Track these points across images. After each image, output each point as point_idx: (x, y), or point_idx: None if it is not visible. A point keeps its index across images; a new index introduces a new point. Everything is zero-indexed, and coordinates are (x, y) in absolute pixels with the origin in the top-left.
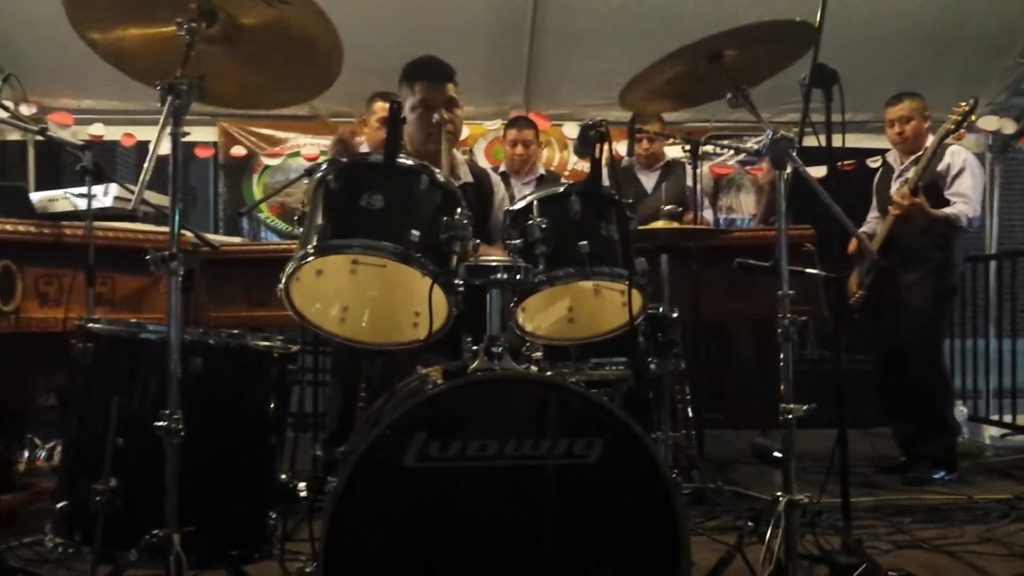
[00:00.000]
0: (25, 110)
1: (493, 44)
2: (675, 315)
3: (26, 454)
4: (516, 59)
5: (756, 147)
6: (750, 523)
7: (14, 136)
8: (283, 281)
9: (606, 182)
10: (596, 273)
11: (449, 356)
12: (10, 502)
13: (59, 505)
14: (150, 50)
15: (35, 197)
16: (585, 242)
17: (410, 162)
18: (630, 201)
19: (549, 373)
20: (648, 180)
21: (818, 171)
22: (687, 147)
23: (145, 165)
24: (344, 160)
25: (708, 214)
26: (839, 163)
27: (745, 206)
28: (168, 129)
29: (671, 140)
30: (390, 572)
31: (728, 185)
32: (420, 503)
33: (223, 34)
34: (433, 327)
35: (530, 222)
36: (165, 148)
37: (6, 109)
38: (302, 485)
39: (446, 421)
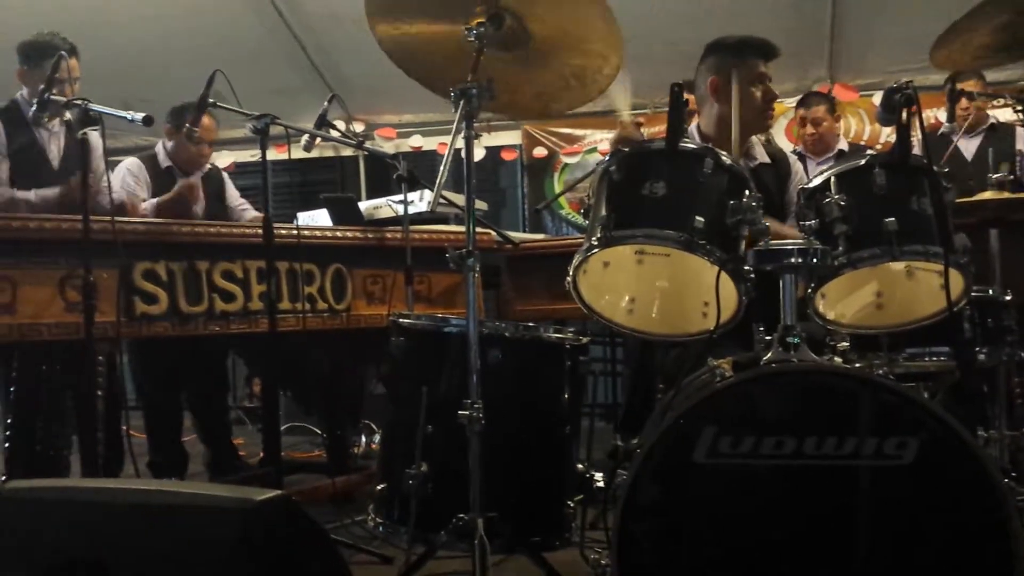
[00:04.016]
0: (355, 127)
1: (791, 15)
2: (1008, 297)
3: (363, 439)
4: (817, 28)
5: None
6: None
7: (347, 152)
8: (571, 274)
9: (917, 150)
10: (907, 252)
11: (744, 347)
12: (346, 483)
13: (379, 487)
14: (433, 49)
15: (363, 206)
16: (892, 219)
17: (693, 146)
18: (946, 170)
19: (857, 365)
20: (968, 146)
21: None
22: (1020, 107)
23: (440, 168)
24: (626, 149)
25: None
26: None
27: None
28: (462, 132)
29: (1000, 101)
30: (681, 570)
31: None
32: (713, 501)
33: (509, 38)
34: (722, 317)
35: (827, 200)
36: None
37: (331, 126)
38: (599, 475)
39: (737, 416)
